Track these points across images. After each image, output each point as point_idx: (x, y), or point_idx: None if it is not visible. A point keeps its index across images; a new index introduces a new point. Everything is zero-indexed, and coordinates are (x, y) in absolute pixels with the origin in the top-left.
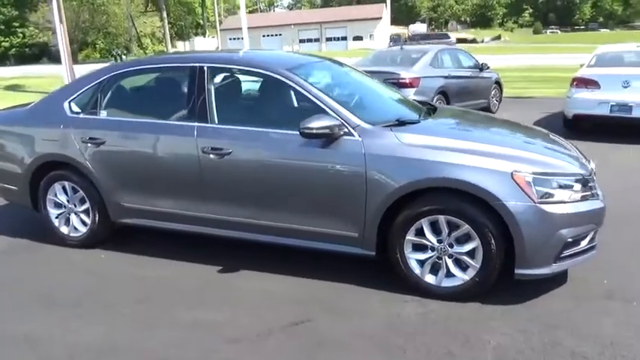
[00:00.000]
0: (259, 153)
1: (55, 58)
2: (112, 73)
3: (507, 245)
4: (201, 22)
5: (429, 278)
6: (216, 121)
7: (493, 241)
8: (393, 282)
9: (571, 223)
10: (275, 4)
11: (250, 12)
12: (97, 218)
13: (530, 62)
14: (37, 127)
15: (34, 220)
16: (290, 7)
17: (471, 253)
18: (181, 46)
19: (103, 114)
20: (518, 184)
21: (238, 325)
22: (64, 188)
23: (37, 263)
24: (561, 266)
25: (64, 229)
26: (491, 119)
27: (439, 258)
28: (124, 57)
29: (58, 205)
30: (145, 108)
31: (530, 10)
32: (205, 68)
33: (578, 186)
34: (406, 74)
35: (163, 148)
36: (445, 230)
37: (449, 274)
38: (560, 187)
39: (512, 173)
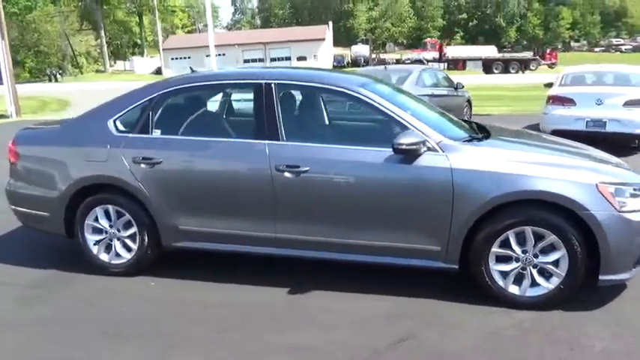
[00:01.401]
0: (340, 170)
1: None
2: (164, 91)
3: (589, 253)
4: (138, 41)
5: (513, 289)
6: (289, 139)
7: (579, 250)
8: (470, 294)
9: None
10: (214, 25)
11: (188, 32)
12: (145, 243)
13: (472, 81)
14: (77, 147)
15: (55, 248)
16: (229, 28)
17: (556, 263)
18: (122, 65)
19: (157, 133)
20: (602, 195)
21: (343, 347)
22: (106, 212)
23: (86, 296)
24: (638, 270)
25: (104, 257)
26: (538, 135)
27: (523, 268)
28: (59, 77)
29: (97, 231)
30: (204, 126)
31: (462, 34)
32: (273, 85)
33: None
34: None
35: (230, 167)
36: (531, 241)
37: (533, 284)
38: (632, 195)
39: (597, 184)
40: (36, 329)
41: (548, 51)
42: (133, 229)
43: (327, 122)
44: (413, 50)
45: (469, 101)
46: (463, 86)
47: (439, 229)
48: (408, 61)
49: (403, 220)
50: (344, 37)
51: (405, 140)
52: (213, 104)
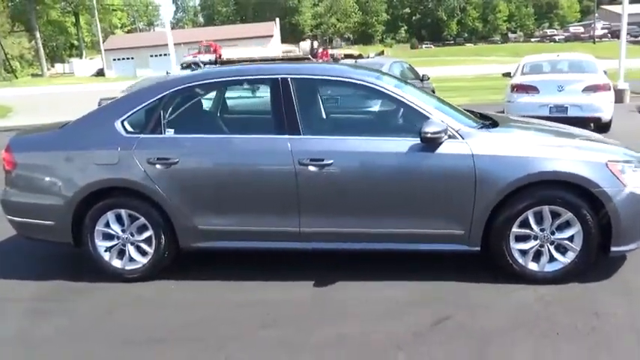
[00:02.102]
0: (363, 161)
1: None
2: (174, 89)
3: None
4: (75, 42)
5: (532, 266)
6: (309, 133)
7: (592, 225)
8: (489, 274)
9: None
10: (155, 23)
11: (128, 31)
12: (162, 246)
13: (431, 73)
14: (83, 151)
15: (53, 257)
16: (172, 26)
17: (571, 238)
18: (60, 68)
19: (170, 132)
20: (612, 172)
21: (385, 333)
22: (117, 217)
23: (104, 305)
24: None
25: (117, 263)
26: (538, 121)
27: (541, 246)
28: None
29: (109, 237)
30: (220, 123)
31: (406, 27)
32: (289, 80)
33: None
34: None
35: (251, 163)
36: (549, 219)
37: (551, 260)
38: (634, 171)
39: (606, 163)
40: (59, 343)
41: (321, 50)
42: (149, 233)
43: (343, 115)
44: (190, 54)
45: (433, 91)
46: (429, 78)
47: (463, 213)
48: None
49: (427, 207)
50: (289, 33)
51: (430, 129)
52: (227, 100)
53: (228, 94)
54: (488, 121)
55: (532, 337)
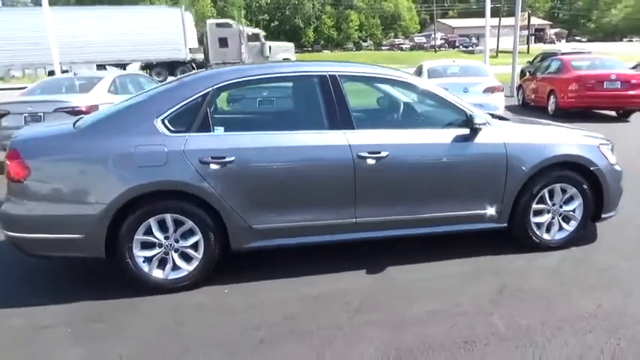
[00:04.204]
0: (415, 152)
1: None
2: (219, 85)
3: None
4: None
5: (546, 236)
6: (362, 127)
7: (590, 197)
8: (510, 244)
9: (622, 178)
10: None
11: None
12: (211, 250)
13: None
14: (121, 152)
15: (71, 273)
16: None
17: (574, 210)
18: None
19: (219, 130)
20: (602, 153)
21: (469, 304)
22: (160, 223)
23: (171, 317)
24: (617, 210)
25: (159, 273)
26: (530, 119)
27: (553, 218)
28: None
29: (149, 246)
30: (268, 119)
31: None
32: (337, 76)
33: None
34: (81, 101)
35: (309, 159)
36: (559, 195)
37: (560, 229)
38: (611, 151)
39: (598, 146)
40: None
41: None
42: (196, 237)
43: (392, 109)
44: None
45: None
46: None
47: (497, 194)
48: None
49: (468, 190)
50: None
51: (479, 120)
52: (274, 97)
53: (273, 91)
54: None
55: (576, 285)
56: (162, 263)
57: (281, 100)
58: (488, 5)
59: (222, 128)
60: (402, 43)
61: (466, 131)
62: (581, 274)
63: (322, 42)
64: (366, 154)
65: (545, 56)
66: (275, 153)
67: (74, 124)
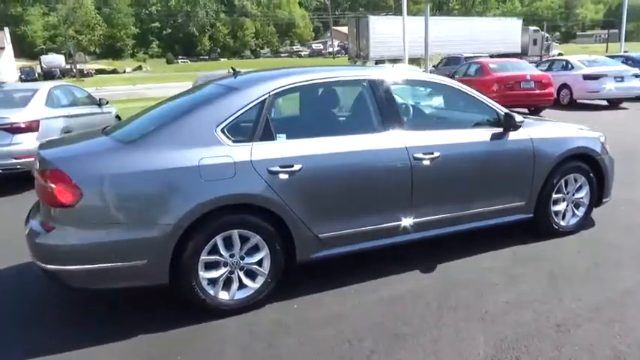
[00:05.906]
0: (462, 151)
1: None
2: (276, 90)
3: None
4: None
5: (562, 222)
6: (412, 128)
7: (595, 183)
8: (530, 235)
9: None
10: None
11: None
12: (278, 265)
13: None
14: (183, 166)
15: (112, 303)
16: None
17: (583, 197)
18: None
19: (282, 137)
20: (602, 144)
21: (529, 293)
22: (226, 240)
23: (254, 342)
24: (610, 197)
25: (224, 295)
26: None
27: (567, 206)
28: None
29: (213, 266)
30: (328, 124)
31: (158, 42)
32: (386, 80)
33: None
34: (20, 117)
35: (369, 161)
36: (573, 184)
37: (574, 216)
38: (606, 142)
39: (599, 137)
40: None
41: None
42: (263, 252)
43: (426, 111)
44: None
45: (118, 117)
46: (107, 102)
47: (526, 187)
48: None
49: (506, 185)
50: (16, 46)
51: (519, 119)
52: (328, 101)
53: (327, 96)
54: None
55: (608, 263)
56: (226, 284)
57: (335, 105)
58: None
59: (284, 135)
60: (300, 50)
61: (500, 129)
62: (606, 253)
63: (219, 50)
64: (422, 155)
65: (449, 61)
66: (338, 158)
67: (107, 135)
